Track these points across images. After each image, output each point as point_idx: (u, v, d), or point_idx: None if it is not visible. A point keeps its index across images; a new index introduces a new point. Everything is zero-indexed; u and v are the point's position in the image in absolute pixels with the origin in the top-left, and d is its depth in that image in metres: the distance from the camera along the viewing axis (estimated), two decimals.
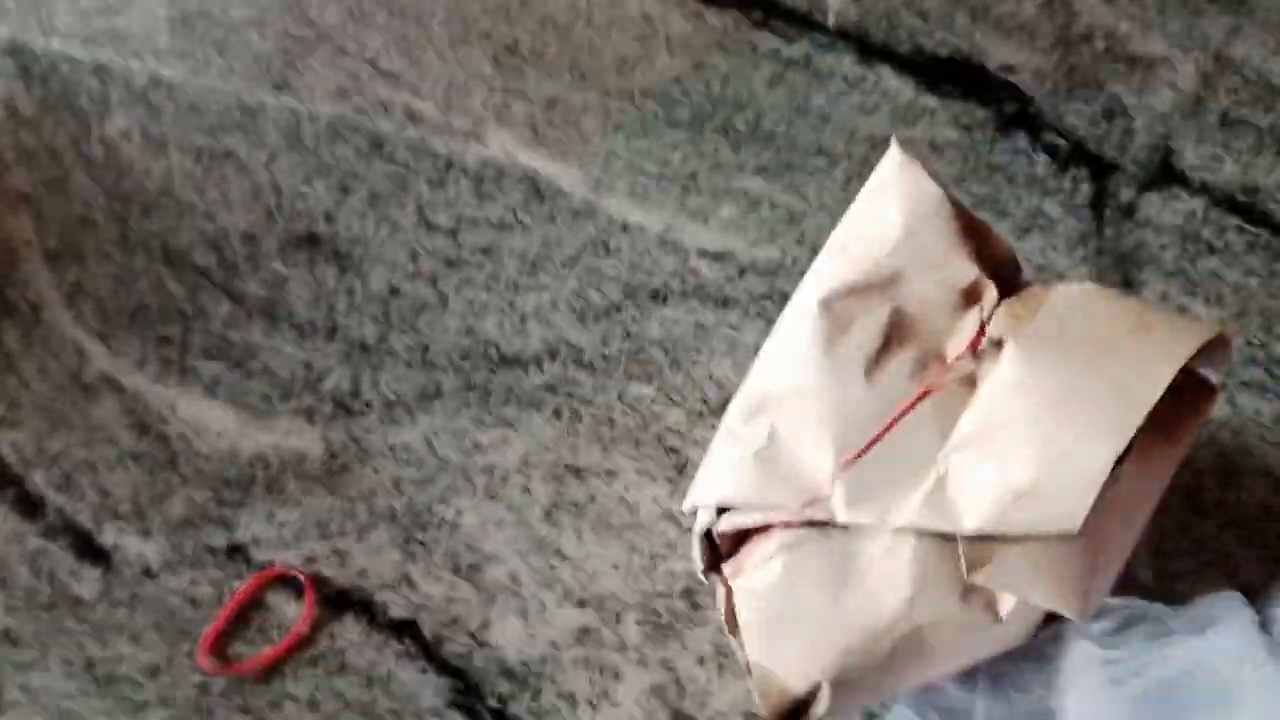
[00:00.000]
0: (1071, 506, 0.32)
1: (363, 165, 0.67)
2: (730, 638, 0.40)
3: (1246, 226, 0.63)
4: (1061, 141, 0.67)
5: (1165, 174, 0.65)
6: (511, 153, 0.68)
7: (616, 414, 0.56)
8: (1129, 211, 0.64)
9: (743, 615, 0.39)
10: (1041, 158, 0.67)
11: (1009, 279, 0.38)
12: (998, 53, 0.72)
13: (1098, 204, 0.64)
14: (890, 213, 0.38)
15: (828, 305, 0.39)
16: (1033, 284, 0.37)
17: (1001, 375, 0.34)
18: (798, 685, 0.38)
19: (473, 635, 0.49)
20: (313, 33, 0.76)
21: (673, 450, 0.55)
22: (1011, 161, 0.66)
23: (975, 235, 0.37)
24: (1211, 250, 0.62)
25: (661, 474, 0.54)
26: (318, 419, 0.55)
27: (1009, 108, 0.69)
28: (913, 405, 0.36)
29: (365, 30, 0.76)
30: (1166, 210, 0.64)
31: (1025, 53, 0.72)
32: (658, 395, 0.57)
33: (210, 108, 0.71)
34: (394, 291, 0.61)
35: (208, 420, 0.55)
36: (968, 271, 0.37)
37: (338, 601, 0.50)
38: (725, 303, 0.60)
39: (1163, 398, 0.32)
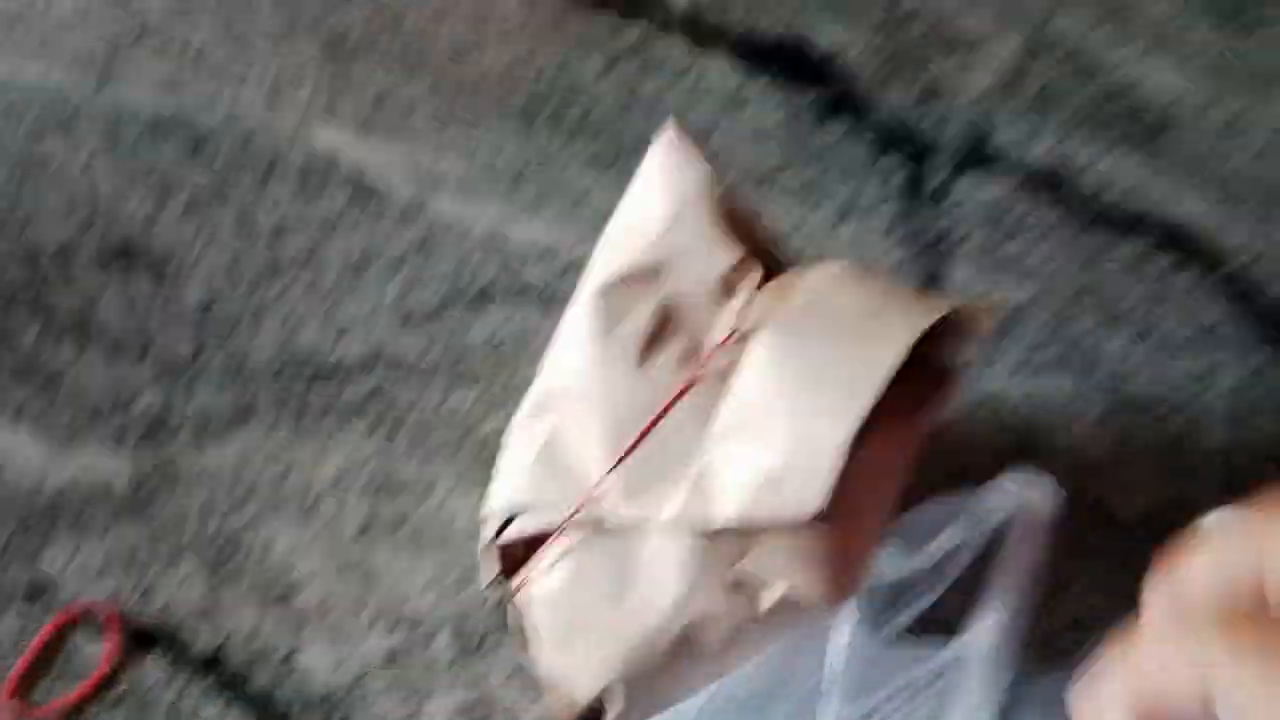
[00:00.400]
0: (810, 491, 0.30)
1: (182, 168, 0.62)
2: (521, 650, 0.38)
3: (1055, 204, 0.61)
4: (882, 125, 0.64)
5: (980, 154, 0.63)
6: (339, 149, 0.63)
7: (436, 423, 0.53)
8: (942, 194, 0.62)
9: (530, 627, 0.37)
10: (863, 142, 0.64)
11: (774, 265, 0.35)
12: (823, 36, 0.69)
13: (913, 187, 0.62)
14: (658, 197, 0.35)
15: (602, 295, 0.36)
16: (794, 268, 0.35)
17: (752, 362, 0.32)
18: (586, 694, 0.35)
19: (281, 664, 0.46)
20: (137, 25, 0.70)
21: (493, 458, 0.52)
22: (834, 146, 0.64)
23: (740, 220, 0.35)
24: (1019, 230, 0.60)
25: (481, 482, 0.50)
26: (126, 444, 0.51)
27: (832, 92, 0.66)
28: (678, 397, 0.34)
29: (191, 22, 0.70)
30: (978, 191, 0.62)
31: (849, 35, 0.69)
32: (479, 401, 0.53)
33: (28, 111, 0.65)
34: (210, 303, 0.56)
35: (13, 450, 0.51)
36: (730, 257, 0.34)
37: (141, 638, 0.46)
38: (551, 300, 0.57)
39: (910, 376, 0.31)
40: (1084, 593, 0.50)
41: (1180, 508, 0.52)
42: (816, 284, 0.33)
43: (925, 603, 0.42)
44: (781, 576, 0.33)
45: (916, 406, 0.33)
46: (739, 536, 0.33)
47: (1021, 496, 0.41)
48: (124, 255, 0.58)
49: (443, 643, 0.46)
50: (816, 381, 0.31)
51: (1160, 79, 0.67)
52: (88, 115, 0.65)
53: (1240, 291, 0.59)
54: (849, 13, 0.70)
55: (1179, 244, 0.61)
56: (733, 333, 0.34)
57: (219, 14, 0.70)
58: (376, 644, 0.46)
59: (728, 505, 0.32)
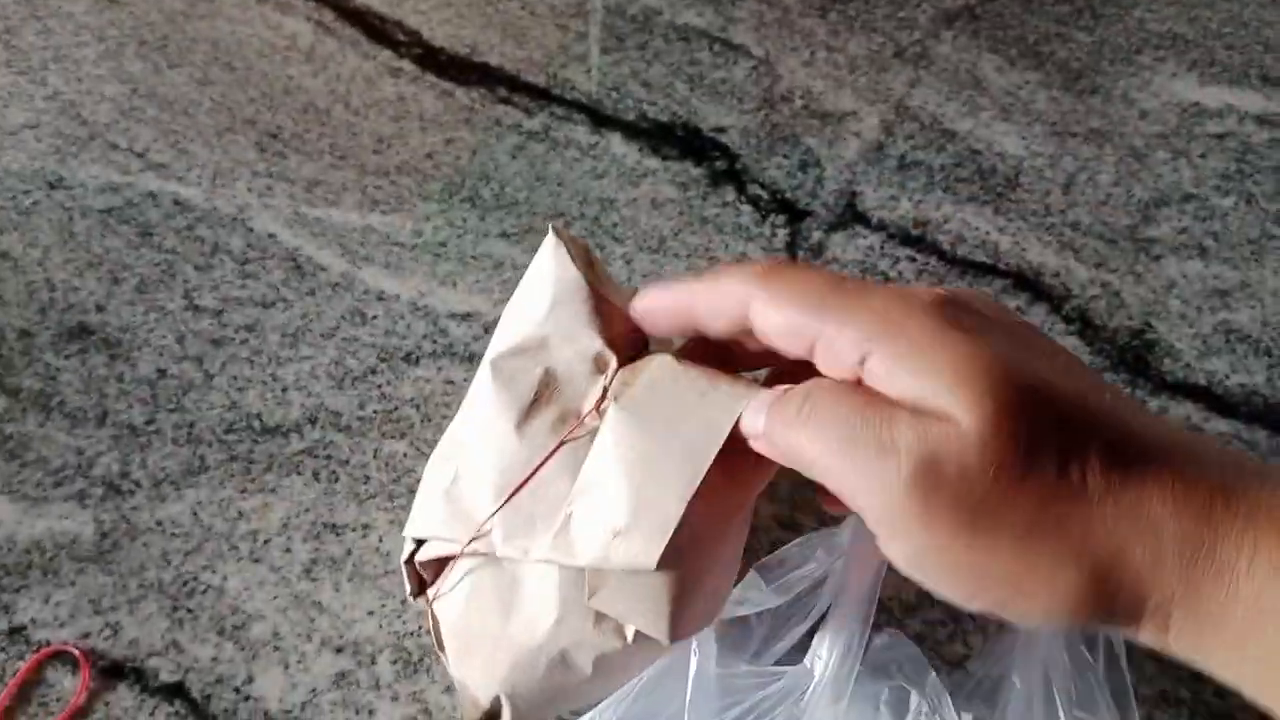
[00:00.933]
0: (651, 546, 0.36)
1: (132, 255, 0.69)
2: (440, 654, 0.44)
3: (916, 255, 0.70)
4: (763, 193, 0.73)
5: (850, 215, 0.72)
6: (275, 233, 0.70)
7: (372, 471, 0.59)
8: (819, 250, 0.70)
9: (443, 634, 0.43)
10: (746, 208, 0.72)
11: (634, 350, 0.42)
12: (710, 116, 0.77)
13: (791, 246, 0.70)
14: (541, 288, 0.42)
15: (494, 364, 0.43)
16: (648, 353, 0.42)
17: (603, 433, 0.39)
18: (484, 697, 0.42)
19: (237, 690, 0.51)
20: (86, 132, 0.76)
21: None
22: (721, 213, 0.72)
23: (606, 312, 0.42)
24: (886, 279, 0.68)
25: None
26: (89, 501, 0.57)
27: (720, 165, 0.74)
28: (550, 455, 0.40)
29: (136, 125, 0.77)
30: (850, 246, 0.70)
31: (734, 114, 0.77)
32: (410, 450, 0.60)
33: None
34: (162, 374, 0.62)
35: None
36: (596, 344, 0.41)
37: (111, 671, 0.52)
38: (472, 359, 0.64)
39: (734, 448, 0.36)
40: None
41: None
42: (656, 369, 0.39)
43: (798, 632, 0.48)
44: (622, 613, 0.39)
45: (750, 468, 0.39)
46: (594, 575, 0.38)
47: (859, 526, 0.46)
48: (81, 335, 0.64)
49: (385, 663, 0.52)
50: (656, 455, 0.37)
51: (1007, 142, 0.76)
52: (42, 212, 0.71)
53: (1085, 324, 0.67)
54: (731, 95, 0.79)
55: (1028, 285, 0.69)
56: (599, 402, 0.41)
57: (161, 119, 0.77)
58: (324, 668, 0.52)
59: (586, 552, 0.38)
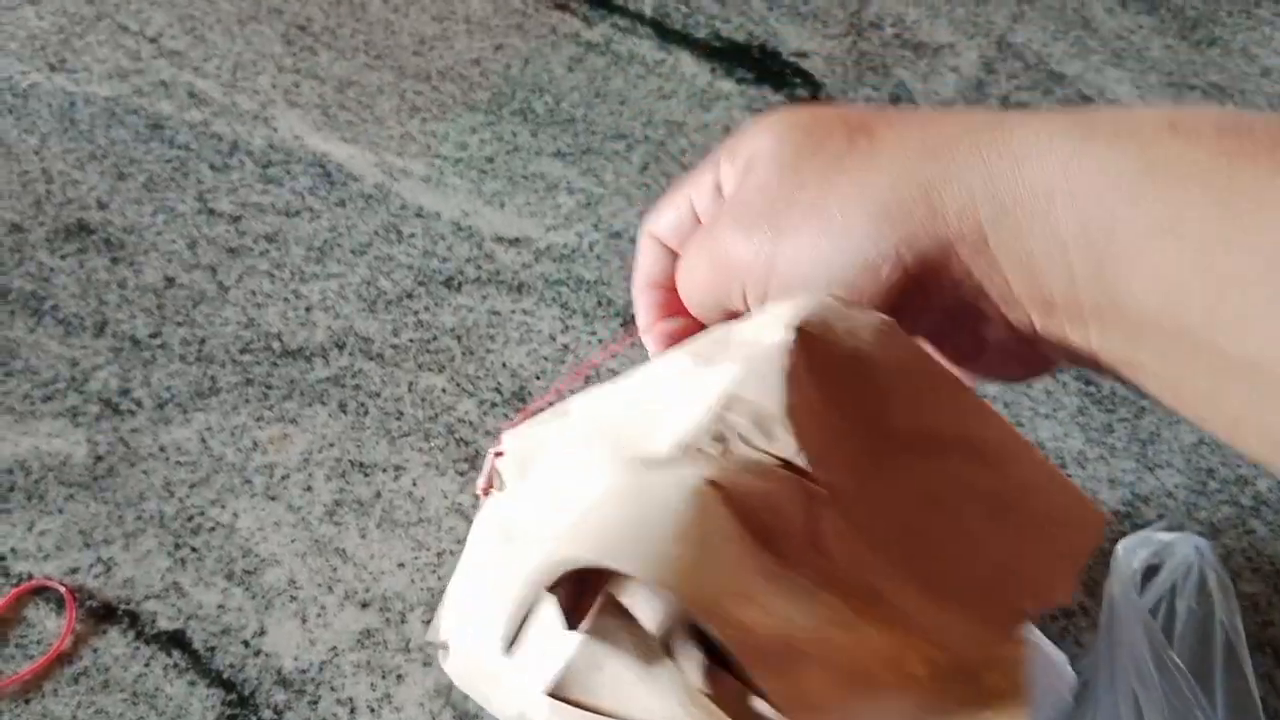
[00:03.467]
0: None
1: (140, 149, 0.62)
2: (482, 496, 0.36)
3: None
4: None
5: None
6: (301, 136, 0.64)
7: (406, 406, 0.53)
8: None
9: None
10: None
11: None
12: (791, 39, 0.71)
13: None
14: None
15: None
16: None
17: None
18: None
19: (246, 644, 0.45)
20: (93, 10, 0.70)
21: (463, 441, 0.52)
22: None
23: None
24: None
25: (451, 466, 0.51)
26: (83, 420, 0.51)
27: (801, 92, 0.68)
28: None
29: (149, 7, 0.71)
30: None
31: (818, 39, 0.71)
32: (449, 385, 0.54)
33: None
34: (170, 283, 0.56)
35: None
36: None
37: (102, 613, 0.46)
38: (520, 289, 0.58)
39: None
40: None
41: None
42: None
43: None
44: None
45: None
46: None
47: None
48: (80, 233, 0.58)
49: (416, 623, 0.46)
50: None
51: (1120, 90, 0.70)
52: (41, 96, 0.64)
53: None
54: (814, 18, 0.72)
55: None
56: None
57: (177, 2, 0.71)
58: (347, 624, 0.46)
59: None
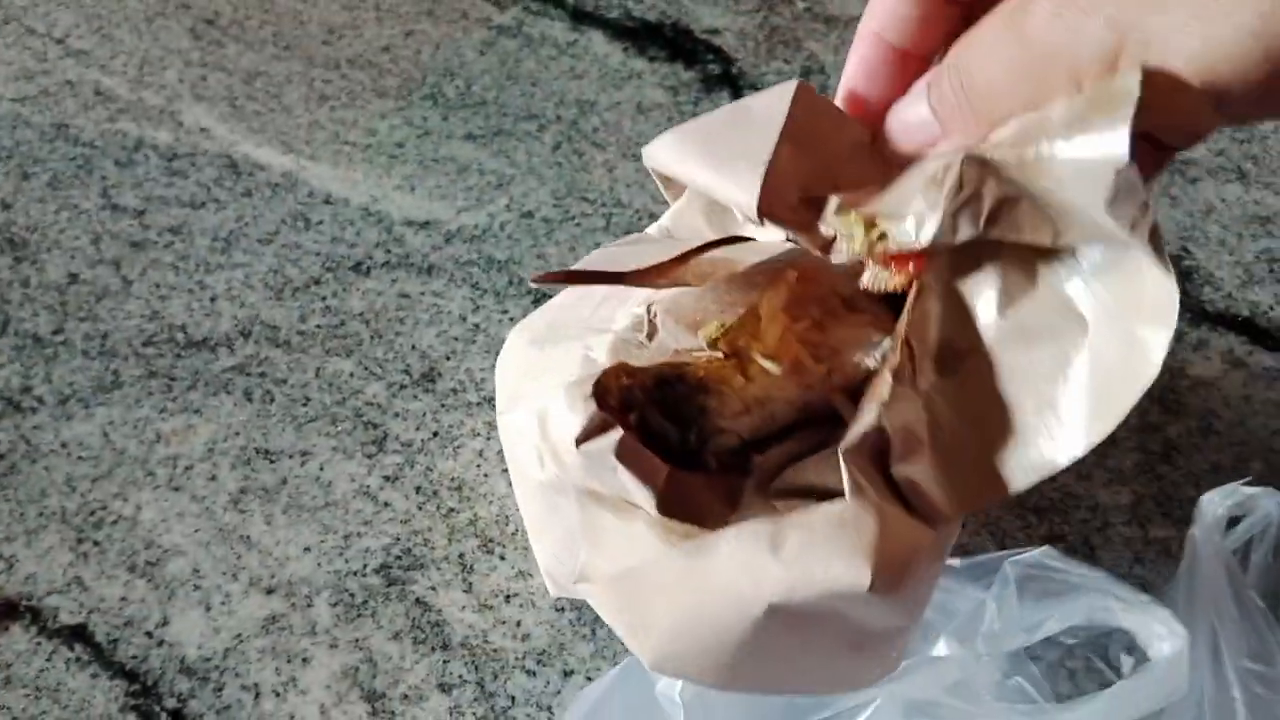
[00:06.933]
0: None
1: (45, 149, 0.63)
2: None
3: None
4: None
5: None
6: (208, 128, 0.64)
7: (313, 391, 0.53)
8: None
9: None
10: None
11: None
12: (704, 16, 0.72)
13: None
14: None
15: None
16: None
17: None
18: None
19: (149, 634, 0.46)
20: (0, 14, 0.70)
21: (372, 425, 0.52)
22: None
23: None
24: None
25: (359, 450, 0.52)
26: None
27: (713, 69, 0.69)
28: None
29: (56, 8, 0.71)
30: None
31: (729, 16, 0.72)
32: (357, 369, 0.54)
33: None
34: (73, 279, 0.56)
35: None
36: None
37: (3, 611, 0.46)
38: (430, 271, 0.58)
39: None
40: None
41: None
42: None
43: None
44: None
45: None
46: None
47: None
48: None
49: (323, 606, 0.47)
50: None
51: None
52: None
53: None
54: None
55: None
56: None
57: (84, 2, 0.71)
58: (252, 611, 0.46)
59: None
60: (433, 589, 0.47)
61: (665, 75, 0.68)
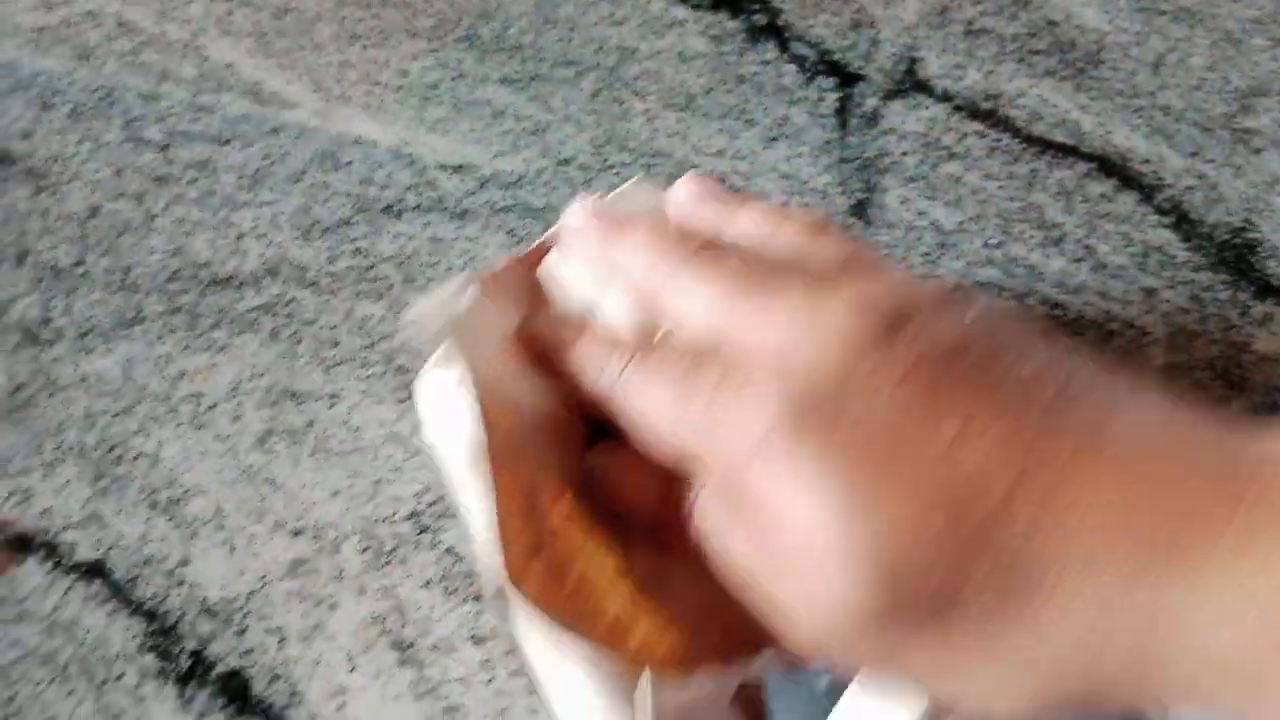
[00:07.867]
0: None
1: (66, 79, 0.61)
2: None
3: (987, 131, 0.63)
4: (809, 52, 0.65)
5: (910, 83, 0.65)
6: (233, 64, 0.62)
7: (342, 334, 0.52)
8: (873, 119, 0.63)
9: None
10: (789, 68, 0.65)
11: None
12: None
13: (842, 112, 0.63)
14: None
15: None
16: None
17: None
18: None
19: (170, 574, 0.44)
20: None
21: (403, 370, 0.51)
22: (760, 71, 0.64)
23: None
24: (952, 155, 0.62)
25: (389, 395, 0.50)
26: (2, 349, 0.49)
27: (759, 19, 0.67)
28: None
29: None
30: (910, 118, 0.63)
31: None
32: (387, 313, 0.53)
33: None
34: (94, 211, 0.55)
35: None
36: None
37: (17, 543, 0.45)
38: (464, 215, 0.57)
39: None
40: None
41: None
42: None
43: None
44: None
45: None
46: None
47: None
48: (2, 164, 0.56)
49: (350, 552, 0.45)
50: None
51: (1088, 14, 0.69)
52: None
53: (1180, 217, 0.61)
54: None
55: (1115, 171, 0.63)
56: None
57: None
58: (277, 553, 0.45)
59: None
60: (465, 539, 0.46)
61: (709, 24, 0.67)
